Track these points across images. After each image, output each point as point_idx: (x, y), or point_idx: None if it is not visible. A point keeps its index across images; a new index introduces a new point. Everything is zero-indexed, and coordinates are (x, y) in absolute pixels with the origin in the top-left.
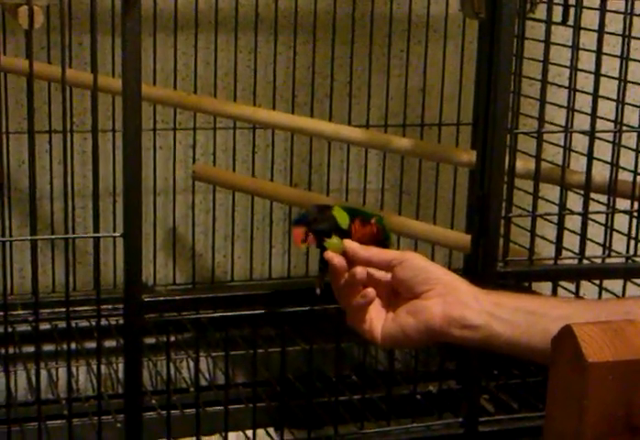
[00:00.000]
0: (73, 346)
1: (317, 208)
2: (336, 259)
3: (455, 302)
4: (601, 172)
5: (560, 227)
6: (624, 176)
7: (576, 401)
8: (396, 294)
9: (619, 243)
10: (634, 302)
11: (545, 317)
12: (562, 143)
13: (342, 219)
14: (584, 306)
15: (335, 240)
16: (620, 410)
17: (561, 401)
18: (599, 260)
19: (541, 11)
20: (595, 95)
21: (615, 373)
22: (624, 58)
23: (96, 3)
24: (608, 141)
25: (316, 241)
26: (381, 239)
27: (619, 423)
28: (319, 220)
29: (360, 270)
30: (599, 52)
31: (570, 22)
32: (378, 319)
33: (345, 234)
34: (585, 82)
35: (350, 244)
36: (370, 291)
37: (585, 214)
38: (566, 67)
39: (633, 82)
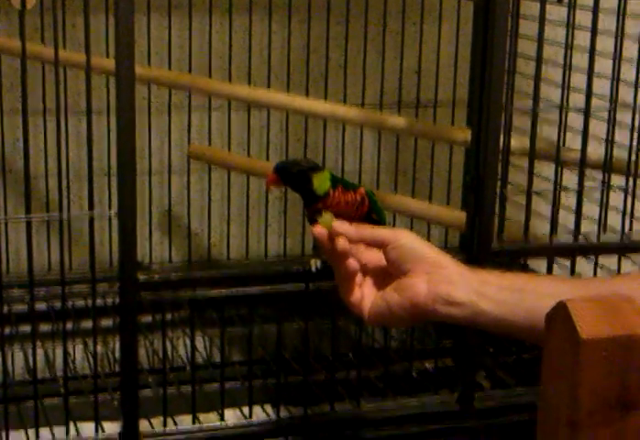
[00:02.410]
0: (69, 325)
1: (304, 164)
2: (317, 230)
3: (441, 279)
4: (595, 150)
5: (555, 204)
6: (619, 153)
7: (569, 376)
8: (389, 274)
9: (614, 220)
10: (621, 281)
11: (531, 295)
12: (557, 121)
13: (320, 186)
14: (571, 284)
15: (327, 217)
16: (613, 386)
17: (555, 377)
18: (594, 237)
19: None
20: (590, 74)
21: (609, 350)
22: (619, 36)
23: None
24: (603, 119)
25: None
26: (366, 211)
27: (612, 399)
28: (295, 178)
29: (342, 242)
30: (594, 31)
31: (565, 1)
32: (369, 296)
33: (315, 198)
34: (580, 60)
35: (340, 225)
36: (352, 261)
37: (580, 192)
38: (561, 46)
39: (627, 61)
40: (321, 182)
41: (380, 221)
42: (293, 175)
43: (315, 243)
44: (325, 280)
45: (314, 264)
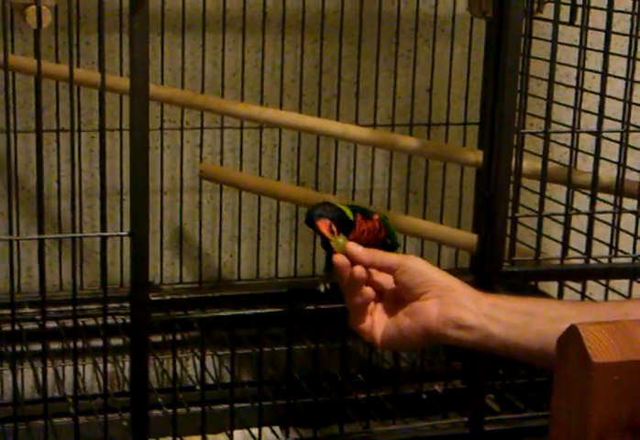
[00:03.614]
0: (80, 344)
1: (322, 205)
2: (339, 260)
3: (451, 303)
4: (607, 172)
5: (567, 227)
6: (631, 176)
7: (580, 400)
8: (400, 299)
9: (625, 243)
10: (632, 305)
11: (541, 318)
12: (569, 143)
13: (348, 212)
14: (581, 308)
15: (340, 239)
16: (624, 410)
17: (566, 401)
18: (605, 260)
19: (548, 10)
20: (602, 95)
21: (620, 373)
22: (632, 57)
23: (104, 2)
24: (615, 141)
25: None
26: (383, 237)
27: (623, 423)
28: (332, 213)
29: (360, 270)
30: (606, 52)
31: (578, 22)
32: (380, 322)
33: (351, 225)
34: (592, 81)
35: (352, 247)
36: (368, 290)
37: (592, 214)
38: (573, 67)
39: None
40: (347, 211)
41: (393, 245)
42: (330, 213)
43: (328, 266)
44: (336, 302)
45: (323, 285)
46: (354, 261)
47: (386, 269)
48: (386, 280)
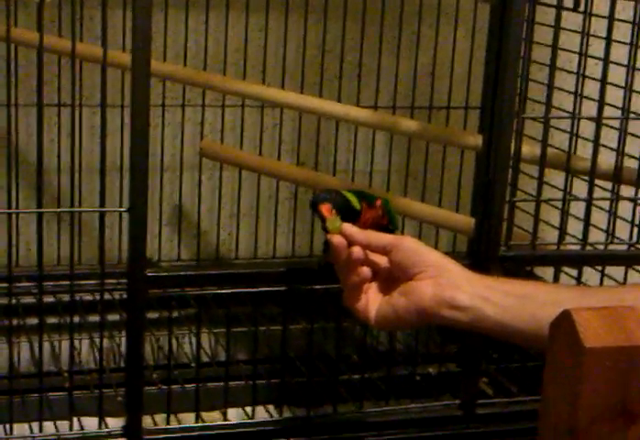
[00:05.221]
0: (77, 319)
1: (328, 191)
2: (336, 239)
3: (446, 283)
4: (606, 159)
5: (564, 213)
6: (630, 163)
7: (572, 385)
8: (394, 279)
9: (622, 230)
10: (626, 291)
11: (535, 302)
12: (569, 129)
13: (354, 201)
14: (576, 293)
15: (337, 222)
16: (615, 395)
17: (557, 386)
18: (602, 247)
19: None
20: (603, 82)
21: (612, 359)
22: (634, 45)
23: None
24: (615, 128)
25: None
26: (385, 223)
27: (614, 408)
28: (337, 200)
29: (357, 250)
30: (608, 39)
31: (581, 8)
32: (374, 301)
33: (356, 214)
34: (594, 68)
35: (348, 228)
36: (365, 269)
37: (589, 201)
38: (575, 53)
39: None
40: (353, 200)
41: (392, 229)
42: (335, 199)
43: (325, 247)
44: (333, 282)
45: (318, 262)
46: (350, 242)
47: (381, 249)
48: (380, 260)
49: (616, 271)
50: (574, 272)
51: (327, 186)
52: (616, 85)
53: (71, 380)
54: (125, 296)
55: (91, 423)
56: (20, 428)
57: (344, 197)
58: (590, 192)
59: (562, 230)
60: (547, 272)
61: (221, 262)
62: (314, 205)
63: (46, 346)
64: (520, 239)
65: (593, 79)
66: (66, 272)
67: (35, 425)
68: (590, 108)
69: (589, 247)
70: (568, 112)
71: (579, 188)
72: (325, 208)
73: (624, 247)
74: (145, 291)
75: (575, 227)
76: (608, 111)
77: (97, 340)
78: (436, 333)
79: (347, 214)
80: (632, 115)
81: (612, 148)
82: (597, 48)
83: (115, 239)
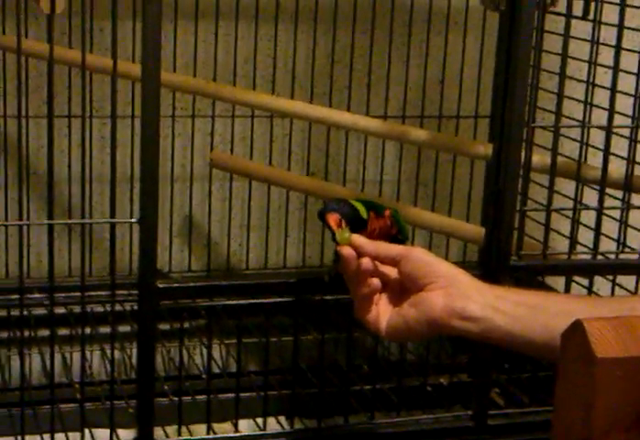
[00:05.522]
0: (88, 330)
1: (335, 200)
2: (346, 251)
3: (457, 293)
4: (617, 168)
5: (575, 222)
6: None
7: (584, 396)
8: (404, 290)
9: (633, 239)
10: (638, 300)
11: (546, 312)
12: (579, 137)
13: (362, 210)
14: (587, 303)
15: (345, 233)
16: (628, 406)
17: (569, 396)
18: (613, 256)
19: (562, 5)
20: (613, 90)
21: (624, 369)
22: None
23: None
24: (625, 137)
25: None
26: (394, 233)
27: (626, 419)
28: (345, 209)
29: (367, 261)
30: (618, 47)
31: (591, 16)
32: (385, 312)
33: (364, 224)
34: (604, 76)
35: (357, 238)
36: (375, 280)
37: (600, 210)
38: (585, 61)
39: None
40: (361, 209)
41: (402, 239)
42: (343, 209)
43: (335, 258)
44: (343, 293)
45: (328, 275)
46: (359, 253)
47: (390, 260)
48: (391, 271)
49: (628, 281)
50: (585, 282)
51: (337, 196)
52: (626, 94)
53: (83, 392)
54: (136, 307)
55: (102, 435)
56: None
57: (352, 206)
58: (601, 200)
59: (573, 239)
60: (559, 282)
61: (232, 273)
62: (322, 216)
63: (57, 357)
64: (531, 249)
65: (603, 87)
66: (77, 283)
67: (47, 437)
68: (600, 117)
69: (600, 257)
70: (578, 120)
71: (590, 197)
72: (333, 219)
73: (636, 257)
74: (156, 302)
75: (586, 236)
76: (618, 119)
77: (108, 351)
78: (448, 343)
79: (355, 223)
80: None
81: (622, 157)
82: (606, 56)
83: (125, 250)
